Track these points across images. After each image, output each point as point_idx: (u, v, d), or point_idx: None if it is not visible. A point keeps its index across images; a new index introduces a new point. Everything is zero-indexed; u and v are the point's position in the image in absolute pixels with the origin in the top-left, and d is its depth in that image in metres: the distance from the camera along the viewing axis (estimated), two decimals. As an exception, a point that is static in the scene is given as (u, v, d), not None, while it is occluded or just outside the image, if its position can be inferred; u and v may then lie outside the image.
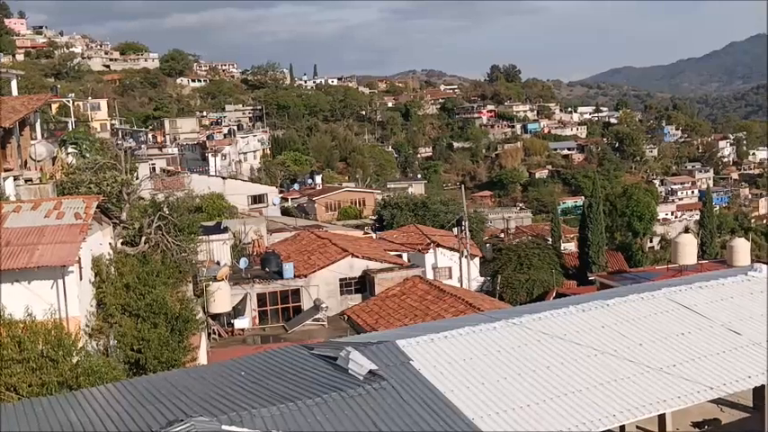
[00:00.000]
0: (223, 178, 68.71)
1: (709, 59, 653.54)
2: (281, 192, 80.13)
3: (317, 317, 33.56)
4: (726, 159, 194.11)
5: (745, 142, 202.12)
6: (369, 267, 36.01)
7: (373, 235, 52.50)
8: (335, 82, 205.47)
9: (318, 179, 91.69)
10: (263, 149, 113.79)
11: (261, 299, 34.70)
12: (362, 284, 36.11)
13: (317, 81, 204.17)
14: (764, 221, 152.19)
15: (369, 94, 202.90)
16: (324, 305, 33.89)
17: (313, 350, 15.92)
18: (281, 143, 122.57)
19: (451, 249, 48.26)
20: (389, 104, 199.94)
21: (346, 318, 34.02)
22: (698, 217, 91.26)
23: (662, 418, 15.92)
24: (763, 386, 13.83)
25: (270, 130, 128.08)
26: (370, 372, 13.44)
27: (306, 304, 34.99)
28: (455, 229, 49.15)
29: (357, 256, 36.30)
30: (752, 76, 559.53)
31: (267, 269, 36.61)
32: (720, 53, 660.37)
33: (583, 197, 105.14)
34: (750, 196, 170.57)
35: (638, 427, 14.88)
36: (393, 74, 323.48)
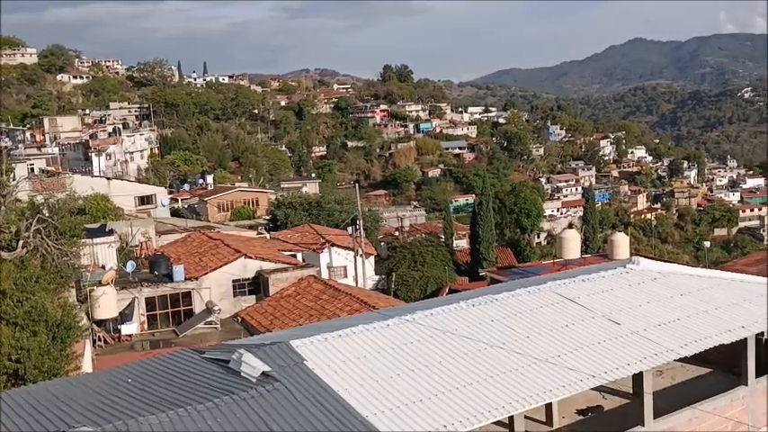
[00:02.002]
0: (108, 179, 66.10)
1: (591, 62, 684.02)
2: (170, 192, 77.99)
3: (209, 320, 32.81)
4: (607, 158, 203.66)
5: (624, 141, 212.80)
6: (262, 268, 35.52)
7: (267, 235, 51.86)
8: (226, 80, 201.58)
9: (210, 179, 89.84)
10: (151, 149, 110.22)
11: (150, 303, 33.57)
12: (256, 285, 35.58)
13: (208, 79, 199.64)
14: (642, 216, 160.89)
15: (261, 92, 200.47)
16: (216, 307, 33.17)
17: (204, 354, 15.53)
18: (170, 142, 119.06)
19: (346, 248, 48.36)
20: (282, 103, 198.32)
21: (240, 320, 33.47)
22: (581, 213, 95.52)
23: (548, 407, 16.47)
24: (641, 373, 14.52)
25: (158, 129, 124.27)
26: (263, 373, 13.23)
27: (198, 307, 34.14)
28: (350, 228, 49.29)
29: (250, 257, 35.73)
30: (630, 78, 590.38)
31: (156, 272, 35.49)
32: (601, 56, 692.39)
33: (474, 195, 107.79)
34: (629, 193, 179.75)
35: (526, 416, 15.32)
36: (286, 73, 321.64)
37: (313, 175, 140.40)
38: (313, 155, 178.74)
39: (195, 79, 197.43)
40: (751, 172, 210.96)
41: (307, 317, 30.24)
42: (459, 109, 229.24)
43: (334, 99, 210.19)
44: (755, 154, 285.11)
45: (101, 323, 30.82)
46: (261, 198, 76.64)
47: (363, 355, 14.07)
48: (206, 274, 34.55)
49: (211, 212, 71.30)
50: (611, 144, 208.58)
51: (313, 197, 72.64)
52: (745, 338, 16.42)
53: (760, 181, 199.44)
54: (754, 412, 16.86)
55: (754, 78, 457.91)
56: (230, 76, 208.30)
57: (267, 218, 67.73)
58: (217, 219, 68.34)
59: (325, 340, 14.51)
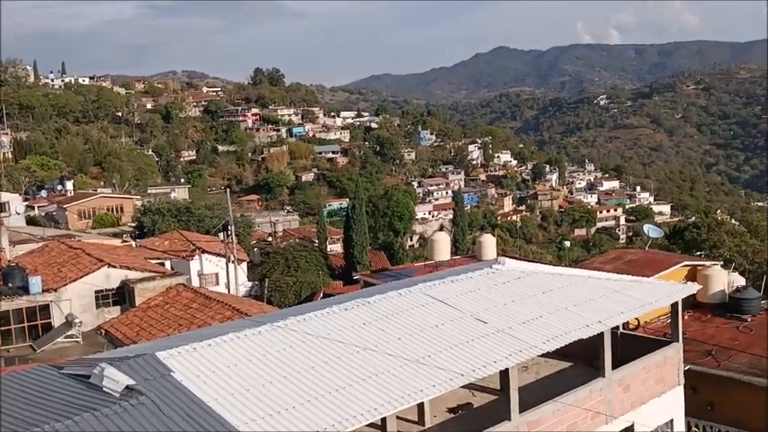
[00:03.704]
0: (-45, 186, 61.53)
1: (458, 69, 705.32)
2: (25, 199, 73.57)
3: (69, 333, 31.12)
4: (475, 162, 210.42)
5: (490, 146, 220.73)
6: (128, 277, 34.08)
7: (132, 243, 49.93)
8: (87, 81, 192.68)
9: (69, 185, 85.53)
10: (4, 153, 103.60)
11: (3, 317, 31.38)
12: (121, 296, 34.08)
13: (66, 80, 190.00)
14: (508, 218, 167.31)
15: (125, 94, 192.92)
16: (77, 320, 31.51)
17: (63, 369, 14.68)
18: (26, 146, 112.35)
19: (218, 255, 47.34)
20: (148, 106, 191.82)
21: (103, 332, 31.94)
22: (452, 216, 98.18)
23: (420, 406, 16.71)
24: (507, 369, 14.99)
25: (12, 133, 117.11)
26: (127, 387, 12.65)
27: (57, 321, 32.30)
28: (221, 234, 48.25)
29: (114, 266, 34.20)
30: (495, 85, 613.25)
31: (10, 284, 33.24)
32: (468, 63, 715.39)
33: (347, 199, 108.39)
34: (496, 195, 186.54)
35: (398, 417, 15.49)
36: (151, 74, 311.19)
37: (182, 180, 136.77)
38: (182, 159, 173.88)
39: (53, 80, 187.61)
40: (606, 175, 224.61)
41: (176, 327, 29.28)
42: (332, 113, 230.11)
43: (203, 102, 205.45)
44: (610, 158, 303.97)
45: (-53, 341, 28.59)
46: (126, 204, 73.74)
47: (234, 363, 13.74)
48: (65, 285, 32.75)
49: (71, 220, 67.85)
50: (478, 149, 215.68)
51: (182, 203, 70.73)
52: (602, 333, 17.32)
53: (614, 183, 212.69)
54: (611, 402, 17.81)
55: (609, 87, 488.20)
56: (91, 77, 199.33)
57: (133, 225, 65.31)
58: (78, 227, 65.11)
59: (193, 350, 14.05)
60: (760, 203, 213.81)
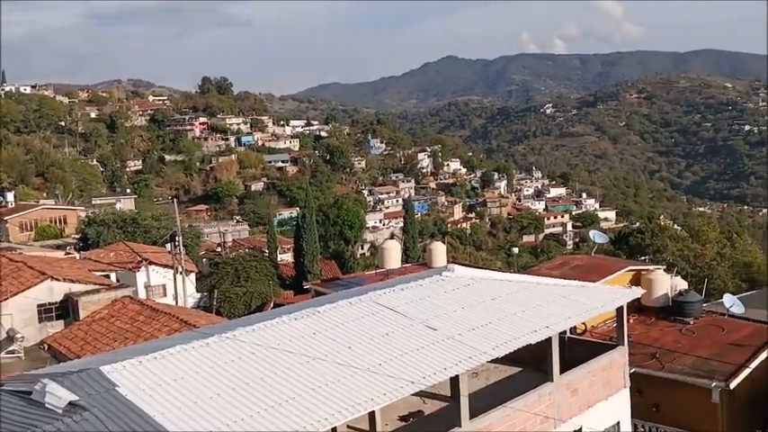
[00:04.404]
0: None
1: (408, 78, 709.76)
2: (-36, 212, 71.38)
3: (11, 349, 30.26)
4: (425, 170, 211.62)
5: (440, 154, 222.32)
6: (71, 290, 33.28)
7: (77, 255, 48.82)
8: (28, 90, 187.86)
9: (10, 196, 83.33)
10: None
11: (-60, 334, 30.40)
12: (65, 309, 33.26)
13: (7, 89, 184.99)
14: (458, 226, 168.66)
15: (68, 103, 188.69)
16: (19, 335, 30.66)
17: (3, 386, 14.24)
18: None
19: (165, 266, 46.63)
20: (93, 115, 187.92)
21: (47, 347, 31.07)
22: (402, 224, 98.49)
23: (372, 415, 16.66)
24: (457, 376, 15.06)
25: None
26: (71, 403, 12.31)
27: (-3, 336, 31.39)
28: (168, 245, 47.56)
29: (57, 279, 33.38)
30: (444, 93, 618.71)
31: (-53, 300, 32.20)
32: (417, 72, 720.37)
33: (298, 208, 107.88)
34: (446, 203, 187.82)
35: (349, 426, 15.43)
36: (95, 83, 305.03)
37: (128, 190, 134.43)
38: (128, 169, 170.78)
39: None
40: (553, 182, 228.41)
41: (122, 340, 28.67)
42: (282, 122, 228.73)
43: (149, 111, 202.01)
44: (557, 165, 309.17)
45: None
46: (69, 216, 72.14)
47: (181, 376, 13.50)
48: (6, 299, 31.82)
49: (13, 232, 66.09)
50: (428, 157, 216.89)
51: (128, 214, 69.59)
52: (550, 338, 17.54)
53: (561, 190, 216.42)
54: (559, 406, 18.03)
55: (555, 96, 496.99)
56: (33, 86, 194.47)
57: (77, 237, 63.92)
58: (19, 239, 63.43)
59: (139, 364, 13.76)
60: (701, 209, 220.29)
